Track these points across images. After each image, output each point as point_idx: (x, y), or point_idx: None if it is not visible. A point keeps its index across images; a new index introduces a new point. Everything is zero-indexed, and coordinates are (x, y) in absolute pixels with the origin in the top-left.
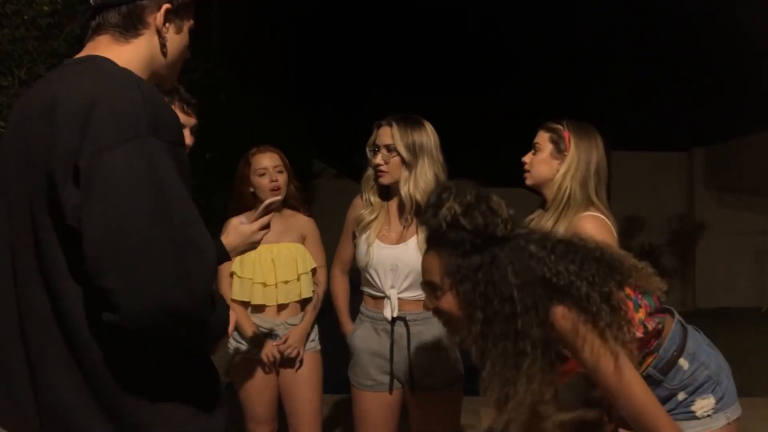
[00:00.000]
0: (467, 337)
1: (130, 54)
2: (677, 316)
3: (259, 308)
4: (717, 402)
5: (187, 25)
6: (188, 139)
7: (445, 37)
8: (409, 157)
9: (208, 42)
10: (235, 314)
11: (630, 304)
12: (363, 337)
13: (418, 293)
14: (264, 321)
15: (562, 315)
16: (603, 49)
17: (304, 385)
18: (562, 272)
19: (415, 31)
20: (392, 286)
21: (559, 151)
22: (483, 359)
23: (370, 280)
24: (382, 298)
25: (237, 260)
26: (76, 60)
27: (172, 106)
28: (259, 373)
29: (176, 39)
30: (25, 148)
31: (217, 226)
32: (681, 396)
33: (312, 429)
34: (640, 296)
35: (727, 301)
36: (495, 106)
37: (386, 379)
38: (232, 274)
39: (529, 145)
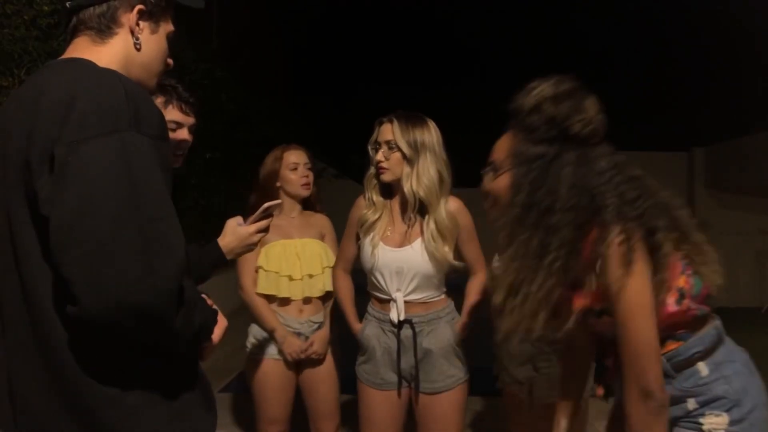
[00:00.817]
0: (502, 219)
1: (108, 54)
2: (719, 324)
3: (283, 302)
4: (731, 424)
5: (165, 28)
6: (186, 138)
7: (446, 38)
8: (410, 153)
9: (208, 42)
10: (225, 321)
11: (677, 265)
12: (373, 335)
13: (424, 295)
14: (287, 320)
15: (602, 231)
16: (603, 49)
17: (324, 384)
18: (617, 193)
19: (416, 32)
20: (398, 289)
21: None
22: (509, 244)
23: (376, 282)
24: (389, 300)
25: (263, 254)
26: (58, 60)
27: (171, 105)
28: (279, 372)
29: (151, 40)
30: (6, 140)
31: (217, 226)
32: (691, 404)
33: (332, 426)
34: (690, 271)
35: (727, 301)
36: (494, 107)
37: (394, 378)
38: (257, 269)
39: None
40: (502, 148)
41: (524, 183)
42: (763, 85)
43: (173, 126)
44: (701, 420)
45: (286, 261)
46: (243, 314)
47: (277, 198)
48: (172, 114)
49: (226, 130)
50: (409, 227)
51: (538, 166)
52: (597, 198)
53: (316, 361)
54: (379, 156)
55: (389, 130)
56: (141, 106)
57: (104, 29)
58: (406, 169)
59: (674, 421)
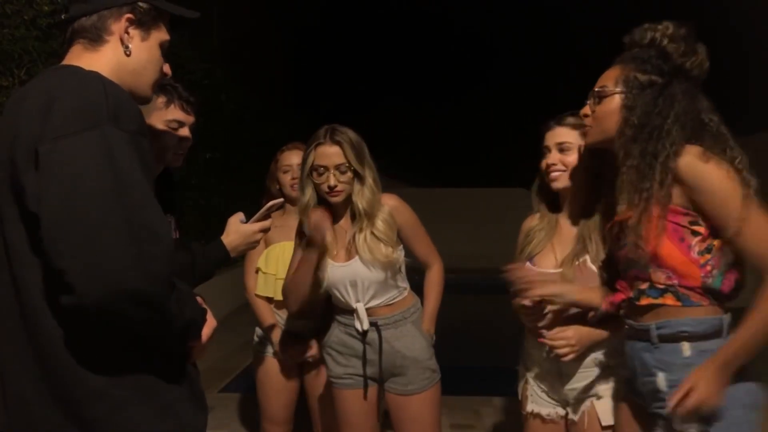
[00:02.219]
0: (618, 138)
1: (99, 61)
2: (726, 319)
3: (281, 304)
4: (705, 422)
5: (157, 37)
6: (188, 137)
7: (446, 39)
8: (361, 170)
9: (208, 42)
10: (214, 322)
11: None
12: (339, 340)
13: (385, 298)
14: (286, 321)
15: (703, 151)
16: (602, 49)
17: (326, 385)
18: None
19: (416, 32)
20: (357, 300)
21: None
22: (625, 158)
23: (334, 296)
24: (352, 311)
25: (262, 256)
26: (51, 68)
27: (173, 105)
28: (281, 373)
29: (142, 47)
30: None
31: (217, 226)
32: (661, 381)
33: (334, 427)
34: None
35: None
36: (494, 106)
37: (361, 379)
38: (257, 271)
39: (529, 145)
40: (610, 77)
41: (636, 106)
42: (763, 85)
43: (175, 125)
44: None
45: (284, 263)
46: (243, 314)
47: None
48: (174, 113)
49: (226, 130)
50: (351, 240)
51: (651, 92)
52: (704, 125)
53: (319, 363)
54: (332, 181)
55: (338, 154)
56: (119, 103)
57: (96, 38)
58: (357, 186)
59: (650, 399)
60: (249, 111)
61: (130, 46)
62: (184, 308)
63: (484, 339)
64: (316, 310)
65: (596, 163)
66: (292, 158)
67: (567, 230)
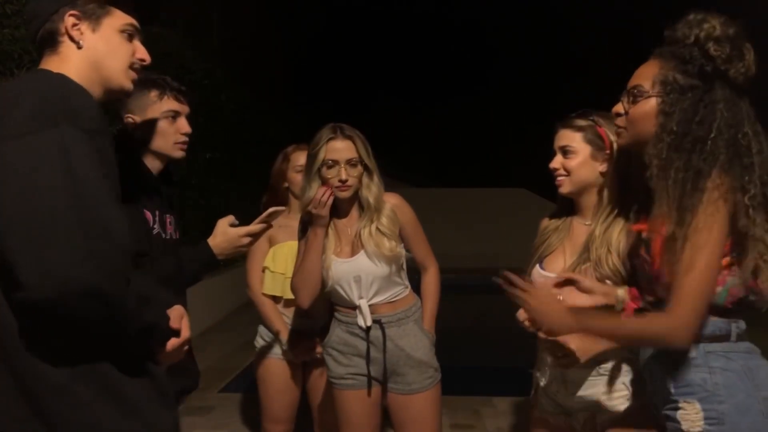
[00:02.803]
0: (655, 144)
1: (64, 63)
2: (738, 326)
3: (289, 303)
4: (708, 422)
5: (111, 24)
6: (185, 126)
7: (446, 40)
8: (371, 164)
9: (208, 42)
10: (188, 333)
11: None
12: (341, 339)
13: (388, 295)
14: (293, 320)
15: (720, 175)
16: (602, 49)
17: (330, 386)
18: (754, 146)
19: (416, 33)
20: (360, 297)
21: (599, 150)
22: (665, 167)
23: (337, 294)
24: (354, 307)
25: (269, 255)
26: (26, 73)
27: (166, 96)
28: (285, 373)
29: (96, 39)
30: None
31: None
32: (671, 384)
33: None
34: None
35: None
36: (494, 107)
37: (364, 379)
38: (264, 270)
39: (530, 145)
40: (646, 75)
41: (675, 111)
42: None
43: (171, 114)
44: (677, 416)
45: (293, 263)
46: (243, 314)
47: (285, 198)
48: (168, 104)
49: (226, 130)
50: (356, 235)
51: (692, 97)
52: (738, 144)
53: (322, 363)
54: (344, 174)
55: (350, 148)
56: (78, 103)
57: (53, 43)
58: (365, 180)
59: (661, 405)
60: (249, 111)
61: (80, 41)
62: (143, 309)
63: (484, 339)
64: (321, 308)
65: (623, 166)
66: (304, 159)
67: (579, 234)
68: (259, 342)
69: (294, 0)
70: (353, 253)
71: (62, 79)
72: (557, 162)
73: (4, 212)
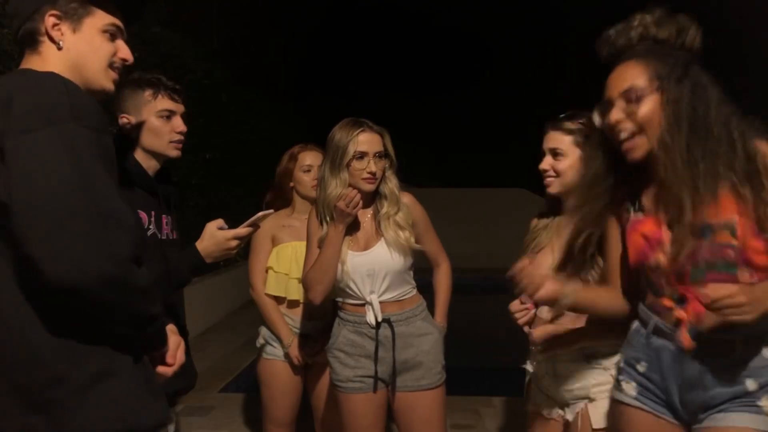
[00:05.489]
0: (670, 133)
1: (46, 63)
2: None
3: (292, 304)
4: None
5: (92, 24)
6: (180, 125)
7: (447, 39)
8: (394, 158)
9: (209, 42)
10: (180, 339)
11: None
12: (348, 340)
13: (397, 293)
14: (296, 322)
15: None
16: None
17: (332, 387)
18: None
19: (416, 32)
20: (372, 292)
21: None
22: (690, 150)
23: (347, 290)
24: (363, 304)
25: (273, 255)
26: (7, 74)
27: (160, 95)
28: (286, 375)
29: (77, 39)
30: None
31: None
32: (750, 384)
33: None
34: None
35: None
36: (494, 106)
37: (371, 380)
38: (267, 270)
39: (525, 146)
40: (635, 73)
41: (681, 98)
42: (763, 85)
43: (166, 113)
44: (759, 403)
45: (297, 263)
46: (243, 314)
47: (289, 197)
48: (163, 103)
49: (226, 130)
50: (371, 228)
51: (687, 84)
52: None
53: (324, 365)
54: (373, 166)
55: (378, 141)
56: (81, 100)
57: (33, 42)
58: (388, 172)
59: (731, 400)
60: (249, 111)
61: (61, 42)
62: (151, 299)
63: (484, 339)
64: (324, 309)
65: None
66: (314, 159)
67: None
68: (261, 343)
69: (294, 0)
70: (367, 246)
71: (59, 76)
72: (547, 163)
73: (20, 208)
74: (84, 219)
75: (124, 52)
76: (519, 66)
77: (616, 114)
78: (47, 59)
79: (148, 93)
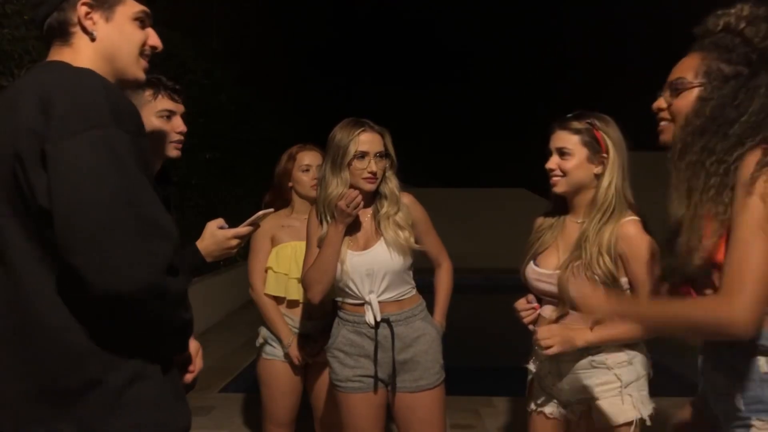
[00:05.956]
0: (682, 129)
1: (78, 55)
2: None
3: (292, 304)
4: None
5: (124, 12)
6: (180, 125)
7: (446, 39)
8: (394, 158)
9: (208, 42)
10: (198, 345)
11: None
12: (347, 340)
13: (397, 293)
14: (295, 322)
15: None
16: (601, 48)
17: (332, 387)
18: None
19: (416, 32)
20: (371, 291)
21: (595, 152)
22: (683, 152)
23: (346, 289)
24: (362, 304)
25: (272, 255)
26: (36, 64)
27: (160, 95)
28: (286, 375)
29: (110, 29)
30: None
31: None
32: (738, 401)
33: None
34: None
35: None
36: (494, 106)
37: (370, 380)
38: (267, 270)
39: (525, 146)
40: (689, 67)
41: (713, 97)
42: None
43: (166, 114)
44: (751, 425)
45: (296, 263)
46: (243, 314)
47: (288, 197)
48: (162, 103)
49: (226, 130)
50: (371, 228)
51: (733, 84)
52: None
53: (324, 365)
54: (374, 166)
55: (379, 141)
56: (119, 103)
57: (64, 33)
58: (389, 172)
59: (725, 419)
60: (249, 111)
61: (94, 32)
62: (188, 305)
63: (484, 339)
64: (324, 309)
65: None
66: (312, 158)
67: (571, 231)
68: (261, 343)
69: (294, 0)
70: (367, 246)
71: (97, 76)
72: (553, 162)
73: (63, 216)
74: (128, 228)
75: (154, 39)
76: (519, 66)
77: (659, 102)
78: (79, 51)
79: (148, 93)
